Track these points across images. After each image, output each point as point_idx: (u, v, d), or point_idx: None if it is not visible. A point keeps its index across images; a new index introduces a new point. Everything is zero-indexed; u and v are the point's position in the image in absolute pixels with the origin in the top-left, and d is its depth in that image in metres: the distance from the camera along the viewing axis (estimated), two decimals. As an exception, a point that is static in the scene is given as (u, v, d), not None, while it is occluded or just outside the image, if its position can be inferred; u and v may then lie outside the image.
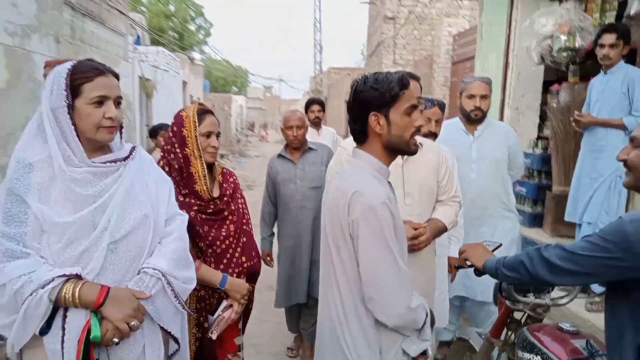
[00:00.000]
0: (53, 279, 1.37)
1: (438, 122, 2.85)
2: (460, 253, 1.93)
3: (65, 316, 1.41)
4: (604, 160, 3.28)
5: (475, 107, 3.05)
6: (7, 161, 1.46)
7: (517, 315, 2.11)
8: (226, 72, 38.14)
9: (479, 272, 1.81)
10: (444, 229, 2.27)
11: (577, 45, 3.55)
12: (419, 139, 2.23)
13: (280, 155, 3.35)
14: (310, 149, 3.33)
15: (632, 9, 3.34)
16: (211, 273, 1.98)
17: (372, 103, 1.52)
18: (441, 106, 2.88)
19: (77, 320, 1.41)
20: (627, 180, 1.46)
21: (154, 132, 4.76)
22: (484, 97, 3.06)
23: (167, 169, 1.98)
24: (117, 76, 1.55)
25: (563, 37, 3.58)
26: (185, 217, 1.74)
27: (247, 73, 47.85)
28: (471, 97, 3.07)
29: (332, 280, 1.55)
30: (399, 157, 2.16)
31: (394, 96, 1.51)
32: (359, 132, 1.58)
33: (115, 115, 1.49)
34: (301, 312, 3.41)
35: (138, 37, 14.51)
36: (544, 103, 5.05)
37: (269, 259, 3.44)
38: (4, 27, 4.99)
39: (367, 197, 1.45)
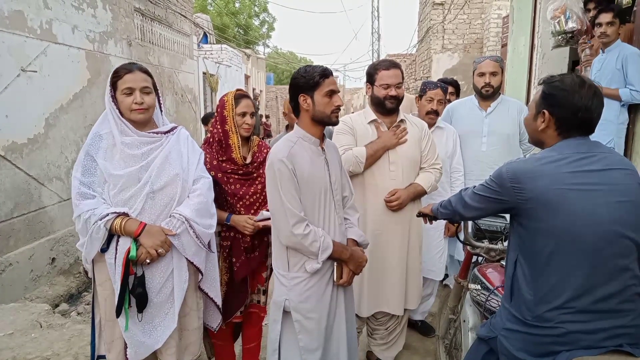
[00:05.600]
0: (108, 215, 1.95)
1: (440, 102, 3.24)
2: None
3: (117, 241, 2.00)
4: (598, 133, 3.50)
5: (485, 83, 3.30)
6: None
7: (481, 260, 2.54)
8: (290, 64, 39.16)
9: (434, 218, 2.22)
10: (423, 192, 2.67)
11: (566, 28, 3.76)
12: (405, 116, 2.71)
13: None
14: None
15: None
16: (220, 214, 2.39)
17: (301, 87, 2.02)
18: (443, 88, 3.28)
19: (124, 244, 1.99)
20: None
21: (205, 119, 5.42)
22: (494, 74, 3.30)
23: (211, 140, 2.54)
24: (145, 71, 2.09)
25: (553, 22, 3.80)
26: (209, 179, 2.27)
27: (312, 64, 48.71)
28: (481, 74, 3.33)
29: None
30: (386, 133, 2.65)
31: (316, 83, 1.99)
32: (295, 108, 2.09)
33: (139, 101, 2.02)
34: None
35: (205, 35, 15.59)
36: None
37: None
38: (86, 35, 5.90)
39: (272, 154, 1.98)
